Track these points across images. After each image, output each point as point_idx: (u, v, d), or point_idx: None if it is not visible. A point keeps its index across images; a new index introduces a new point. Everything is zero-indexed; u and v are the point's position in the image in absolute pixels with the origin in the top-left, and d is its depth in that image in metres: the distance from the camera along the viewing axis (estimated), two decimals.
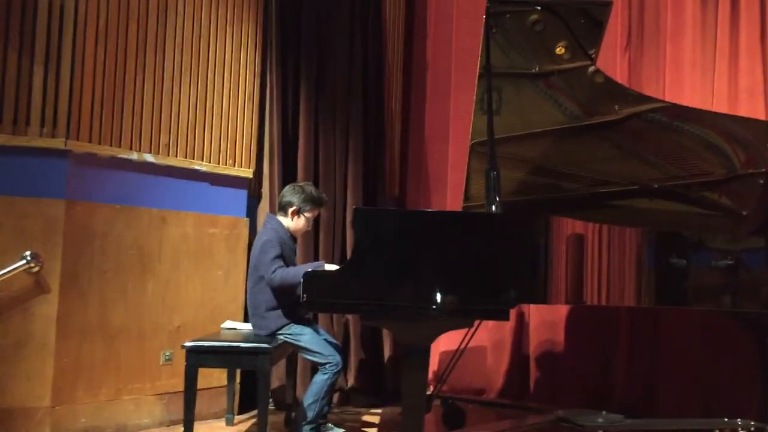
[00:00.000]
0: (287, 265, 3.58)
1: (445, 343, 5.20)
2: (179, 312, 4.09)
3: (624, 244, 3.07)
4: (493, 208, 3.01)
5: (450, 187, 5.46)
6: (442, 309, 2.77)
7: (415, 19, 5.79)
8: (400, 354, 3.22)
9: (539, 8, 3.34)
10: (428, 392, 4.36)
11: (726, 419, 3.62)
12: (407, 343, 2.88)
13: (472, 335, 3.79)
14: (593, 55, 3.53)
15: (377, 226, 2.82)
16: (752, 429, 3.55)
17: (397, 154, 5.54)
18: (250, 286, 3.64)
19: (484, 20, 3.34)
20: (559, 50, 3.49)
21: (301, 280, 2.80)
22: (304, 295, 2.80)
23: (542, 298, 2.96)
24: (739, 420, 3.57)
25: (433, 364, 5.31)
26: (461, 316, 2.84)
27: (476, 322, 3.71)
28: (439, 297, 2.77)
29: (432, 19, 5.75)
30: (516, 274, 2.85)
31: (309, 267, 3.45)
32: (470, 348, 5.14)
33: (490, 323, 5.02)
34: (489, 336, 5.15)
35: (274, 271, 3.46)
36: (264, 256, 3.53)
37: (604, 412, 3.57)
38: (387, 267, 2.78)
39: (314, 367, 3.69)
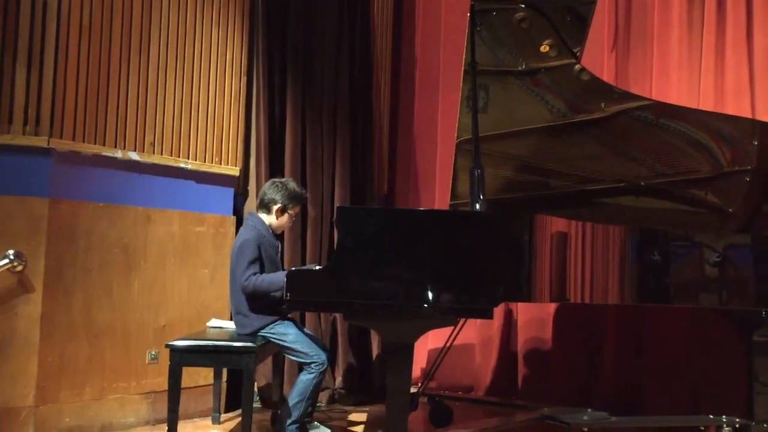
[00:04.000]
0: (268, 264, 3.56)
1: (433, 340, 5.21)
2: (165, 310, 4.08)
3: (607, 242, 3.08)
4: (477, 206, 3.00)
5: (439, 185, 5.46)
6: (425, 307, 2.77)
7: (404, 17, 5.79)
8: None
9: (523, 6, 3.33)
10: (415, 390, 4.37)
11: (711, 416, 3.62)
12: (391, 342, 2.87)
13: (458, 333, 3.79)
14: (578, 53, 3.53)
15: (360, 224, 2.81)
16: (737, 426, 3.55)
17: (385, 152, 5.53)
18: (231, 285, 3.62)
19: (468, 18, 3.34)
20: (544, 48, 3.49)
21: (284, 280, 2.79)
22: (287, 294, 2.79)
23: (526, 296, 2.96)
24: (724, 417, 3.56)
25: (422, 362, 5.32)
26: (444, 314, 2.84)
27: (461, 320, 3.74)
28: (421, 295, 2.76)
29: (420, 17, 5.75)
30: (499, 273, 2.84)
31: (282, 276, 3.43)
32: (459, 346, 5.15)
33: (479, 321, 5.02)
34: (477, 333, 5.16)
35: (247, 279, 3.46)
36: (239, 260, 3.52)
37: (589, 410, 3.57)
38: (370, 265, 2.77)
39: (301, 366, 3.68)
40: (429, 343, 5.28)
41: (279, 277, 3.38)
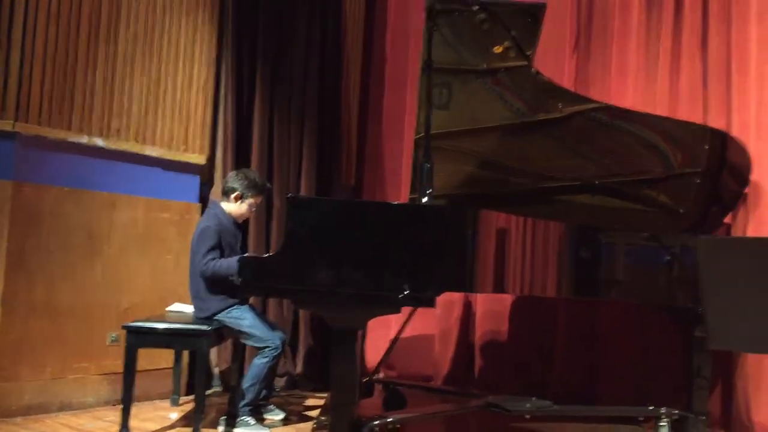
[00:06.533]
0: (227, 251, 3.67)
1: (396, 331, 5.33)
2: (127, 294, 4.18)
3: (547, 238, 3.21)
4: (424, 199, 3.12)
5: (405, 179, 5.56)
6: (369, 295, 2.88)
7: (375, 15, 5.88)
8: None
9: (475, 8, 3.43)
10: (370, 376, 4.50)
11: (651, 407, 3.75)
12: (337, 328, 2.99)
13: (407, 321, 3.92)
14: (530, 55, 3.63)
15: (308, 214, 2.92)
16: (675, 417, 3.69)
17: (354, 146, 5.65)
18: (191, 270, 3.72)
19: (425, 17, 3.44)
20: (497, 49, 3.59)
21: (236, 265, 2.90)
22: (239, 279, 2.90)
23: (469, 286, 3.09)
24: (663, 408, 3.70)
25: (383, 350, 5.44)
26: (388, 303, 2.95)
27: (411, 309, 3.86)
28: (366, 284, 2.87)
29: (391, 16, 5.84)
30: (442, 264, 2.96)
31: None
32: (419, 336, 5.29)
33: (438, 311, 5.16)
34: (437, 324, 5.28)
35: (206, 264, 3.57)
36: (199, 246, 3.62)
37: (533, 399, 3.70)
38: (317, 254, 2.88)
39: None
40: (392, 332, 5.40)
41: (236, 262, 3.49)
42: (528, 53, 3.62)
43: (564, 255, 3.21)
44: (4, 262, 3.65)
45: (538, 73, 3.69)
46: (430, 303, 2.98)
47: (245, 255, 2.98)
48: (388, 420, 3.27)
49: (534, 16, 3.48)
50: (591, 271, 3.29)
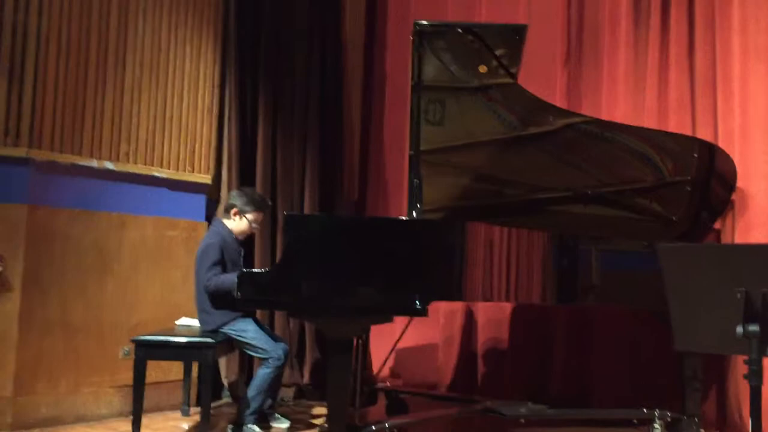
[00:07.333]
0: (230, 266, 3.84)
1: (400, 340, 5.48)
2: (138, 310, 4.37)
3: (531, 247, 3.35)
4: (414, 213, 3.28)
5: (407, 192, 5.71)
6: (362, 307, 3.04)
7: (376, 31, 6.07)
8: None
9: (460, 30, 3.59)
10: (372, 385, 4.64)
11: (645, 410, 3.86)
12: (332, 338, 3.15)
13: (404, 330, 4.06)
14: (515, 73, 3.77)
15: (304, 230, 3.10)
16: (668, 419, 3.79)
17: (356, 160, 5.82)
18: (196, 285, 3.89)
19: (412, 39, 3.60)
20: (482, 69, 3.73)
21: (236, 279, 3.07)
22: (238, 293, 3.08)
23: (458, 296, 3.23)
24: (656, 411, 3.80)
25: (390, 360, 5.58)
26: (381, 313, 3.12)
27: (408, 319, 4.01)
28: (359, 296, 3.04)
29: (391, 32, 6.02)
30: (431, 275, 3.11)
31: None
32: (423, 345, 5.44)
33: (441, 320, 5.31)
34: (441, 333, 5.41)
35: (209, 279, 3.75)
36: (203, 262, 3.81)
37: (529, 403, 3.83)
38: (312, 268, 3.05)
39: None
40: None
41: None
42: (513, 71, 3.76)
43: (547, 263, 3.34)
44: (20, 281, 3.85)
45: (523, 89, 3.84)
46: (420, 312, 3.13)
47: (244, 270, 3.14)
48: (386, 425, 3.41)
49: (516, 36, 3.62)
50: (572, 279, 3.41)
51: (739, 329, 2.12)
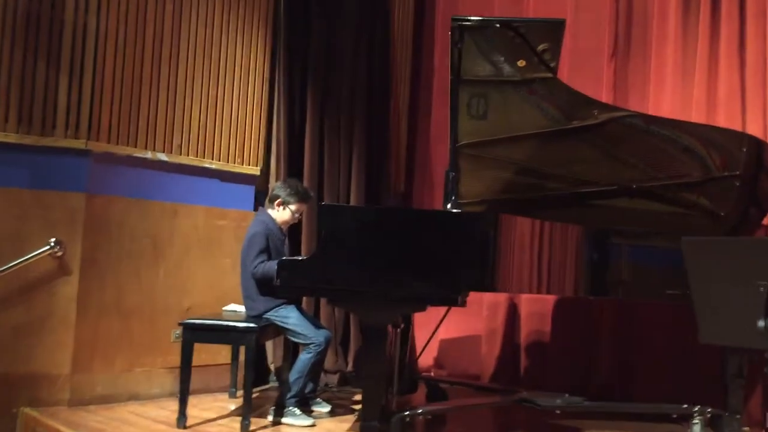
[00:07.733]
0: (274, 255, 3.98)
1: (444, 331, 5.55)
2: (189, 295, 4.56)
3: (565, 240, 3.37)
4: (449, 205, 3.35)
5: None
6: (397, 295, 3.13)
7: (424, 26, 6.12)
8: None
9: (498, 26, 3.62)
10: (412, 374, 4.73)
11: (685, 405, 3.83)
12: (367, 325, 3.25)
13: (441, 320, 4.12)
14: (554, 68, 3.78)
15: (340, 220, 3.20)
16: (708, 415, 3.75)
17: (403, 152, 5.91)
18: (242, 273, 4.04)
19: (451, 34, 3.66)
20: (521, 63, 3.75)
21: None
22: (278, 280, 3.21)
23: (490, 286, 3.28)
24: (697, 406, 3.77)
25: (433, 351, 5.66)
26: (414, 301, 3.20)
27: (446, 310, 4.07)
28: (393, 284, 3.12)
29: (439, 26, 6.06)
30: (463, 265, 3.17)
31: None
32: (466, 337, 5.50)
33: (485, 312, 5.35)
34: (484, 325, 5.46)
35: (255, 266, 3.89)
36: (249, 250, 3.95)
37: (566, 395, 3.84)
38: (347, 257, 3.15)
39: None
40: (440, 334, 5.61)
41: None
42: (552, 65, 3.77)
43: (581, 256, 3.36)
44: (79, 265, 4.08)
45: (564, 84, 3.84)
46: (453, 302, 3.21)
47: (283, 258, 3.27)
48: (419, 411, 3.49)
49: (555, 31, 3.64)
50: (605, 271, 3.42)
51: (761, 323, 2.12)
